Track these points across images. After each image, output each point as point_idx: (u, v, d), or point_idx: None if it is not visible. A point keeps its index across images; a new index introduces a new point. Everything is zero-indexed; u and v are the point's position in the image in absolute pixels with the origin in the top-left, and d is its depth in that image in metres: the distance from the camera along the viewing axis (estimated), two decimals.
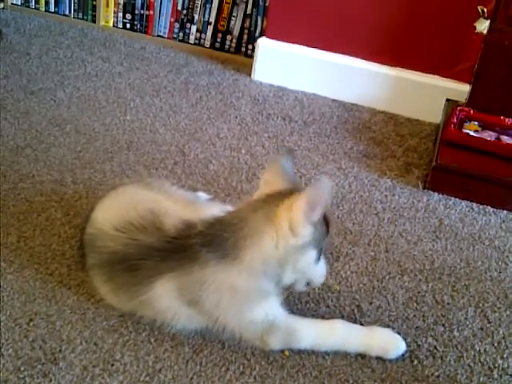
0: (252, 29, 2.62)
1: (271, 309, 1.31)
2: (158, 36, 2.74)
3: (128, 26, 2.76)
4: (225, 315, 1.28)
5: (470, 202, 1.90)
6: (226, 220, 1.28)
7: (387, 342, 1.36)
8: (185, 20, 2.69)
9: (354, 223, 1.76)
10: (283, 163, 1.32)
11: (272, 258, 1.24)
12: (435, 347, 1.41)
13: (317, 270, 1.35)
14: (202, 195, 1.75)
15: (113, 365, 1.29)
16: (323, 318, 1.42)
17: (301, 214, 1.20)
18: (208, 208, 1.45)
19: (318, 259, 1.31)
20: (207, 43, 2.69)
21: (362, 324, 1.43)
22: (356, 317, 1.46)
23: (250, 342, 1.33)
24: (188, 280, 1.26)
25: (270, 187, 1.29)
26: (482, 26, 1.99)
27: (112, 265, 1.32)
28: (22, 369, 1.26)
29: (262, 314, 1.29)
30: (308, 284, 1.37)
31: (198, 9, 2.65)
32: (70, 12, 2.82)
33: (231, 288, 1.25)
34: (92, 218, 1.41)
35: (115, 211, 1.38)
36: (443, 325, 1.47)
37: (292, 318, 1.35)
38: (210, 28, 2.66)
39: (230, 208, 1.41)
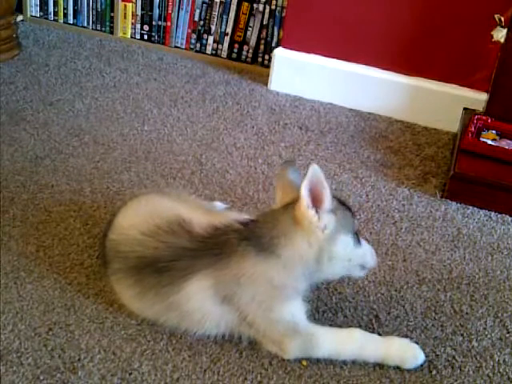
0: (268, 39, 2.63)
1: (298, 311, 1.33)
2: (176, 47, 2.76)
3: (145, 37, 2.78)
4: (255, 311, 1.29)
5: (489, 210, 1.89)
6: (260, 220, 1.34)
7: (405, 352, 1.36)
8: (202, 31, 2.70)
9: (371, 232, 1.76)
10: (289, 176, 1.38)
11: (309, 256, 1.28)
12: (454, 357, 1.40)
13: (363, 252, 1.36)
14: (219, 205, 1.76)
15: (131, 374, 1.29)
16: (341, 327, 1.42)
17: (306, 208, 1.25)
18: (226, 217, 1.46)
19: (358, 242, 1.34)
20: (224, 54, 2.70)
21: (380, 334, 1.42)
22: (374, 327, 1.45)
23: (270, 344, 1.34)
24: (225, 275, 1.29)
25: (287, 197, 1.34)
26: (499, 34, 1.99)
27: (140, 268, 1.33)
28: (42, 378, 1.27)
29: (289, 314, 1.31)
30: (364, 268, 1.38)
31: (215, 20, 2.67)
32: (88, 24, 2.84)
33: (268, 281, 1.28)
34: (115, 225, 1.42)
35: (140, 218, 1.40)
36: (462, 335, 1.46)
37: (311, 325, 1.36)
38: (227, 39, 2.68)
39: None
